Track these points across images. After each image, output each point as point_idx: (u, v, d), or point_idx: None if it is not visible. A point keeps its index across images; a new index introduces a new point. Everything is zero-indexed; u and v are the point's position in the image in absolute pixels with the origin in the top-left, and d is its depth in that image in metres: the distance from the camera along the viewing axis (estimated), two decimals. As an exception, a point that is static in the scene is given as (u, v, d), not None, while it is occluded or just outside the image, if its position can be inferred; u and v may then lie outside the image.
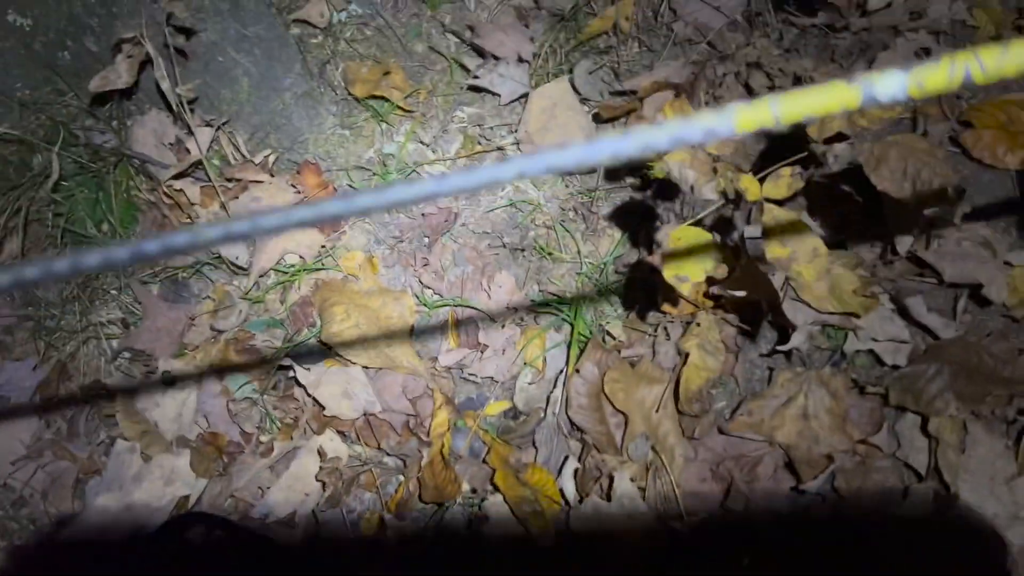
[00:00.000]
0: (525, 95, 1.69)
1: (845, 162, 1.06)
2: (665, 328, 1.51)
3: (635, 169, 1.59)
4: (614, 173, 1.65)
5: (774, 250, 1.04)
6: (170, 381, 1.66)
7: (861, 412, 1.44)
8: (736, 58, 1.61)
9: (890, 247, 1.48)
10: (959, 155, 1.55)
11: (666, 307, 1.30)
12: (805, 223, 1.04)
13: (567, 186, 1.69)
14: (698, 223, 1.13)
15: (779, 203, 1.06)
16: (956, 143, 1.54)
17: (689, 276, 1.08)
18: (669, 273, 1.09)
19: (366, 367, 1.60)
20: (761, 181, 1.08)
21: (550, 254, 1.64)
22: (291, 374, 1.60)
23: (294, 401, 1.62)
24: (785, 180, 1.06)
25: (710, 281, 1.14)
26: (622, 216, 1.64)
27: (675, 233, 1.11)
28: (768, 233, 1.05)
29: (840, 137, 1.13)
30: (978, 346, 1.41)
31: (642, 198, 1.60)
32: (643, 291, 1.55)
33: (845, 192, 1.52)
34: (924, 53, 1.57)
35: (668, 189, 1.59)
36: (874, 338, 1.45)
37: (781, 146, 1.15)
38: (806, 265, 1.03)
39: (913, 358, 1.44)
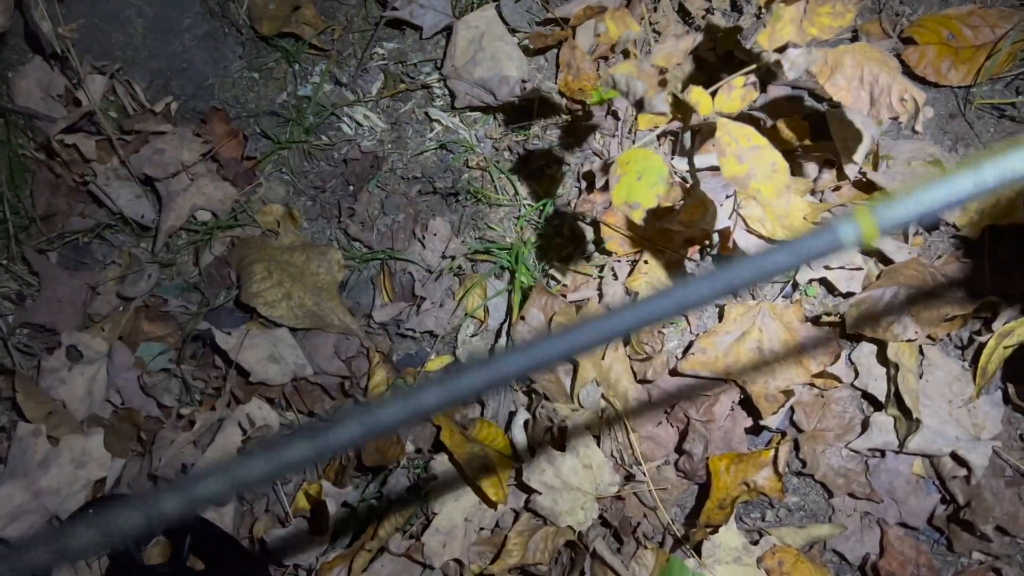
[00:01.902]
0: (449, 27, 1.57)
1: (800, 69, 0.98)
2: (612, 268, 1.43)
3: (573, 101, 1.50)
4: (550, 108, 1.55)
5: (731, 167, 0.96)
6: (76, 356, 1.51)
7: (817, 343, 1.39)
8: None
9: (837, 171, 1.43)
10: (902, 73, 1.49)
11: (611, 245, 1.22)
12: (762, 137, 0.97)
13: (500, 124, 1.58)
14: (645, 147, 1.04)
15: (732, 117, 0.98)
16: (899, 60, 1.49)
17: (641, 202, 0.99)
18: (619, 200, 1.00)
19: (293, 328, 1.48)
20: (712, 95, 0.99)
21: (486, 198, 1.54)
22: (210, 340, 1.47)
23: (215, 369, 1.49)
24: (738, 92, 0.97)
25: (661, 211, 1.06)
26: (561, 153, 1.54)
27: (623, 157, 1.02)
28: (723, 150, 0.96)
29: (790, 46, 1.05)
30: (931, 268, 1.37)
31: (580, 130, 1.51)
32: (587, 231, 1.46)
33: (788, 114, 1.45)
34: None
35: (607, 116, 1.50)
36: (827, 266, 1.40)
37: (727, 59, 1.06)
38: (765, 182, 0.96)
39: (867, 284, 1.39)
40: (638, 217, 1.01)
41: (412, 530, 1.35)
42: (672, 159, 1.42)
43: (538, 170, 1.55)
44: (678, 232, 1.39)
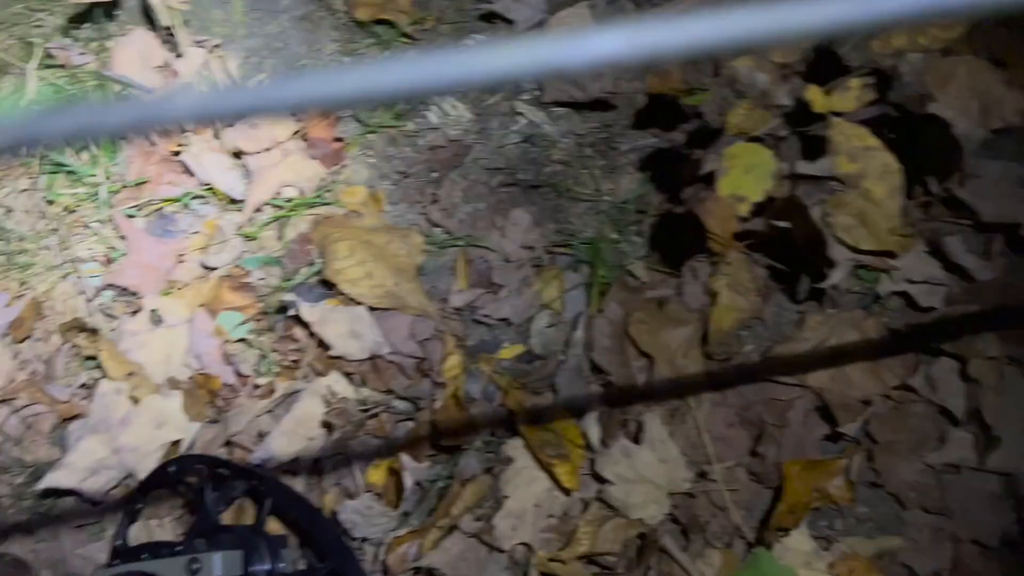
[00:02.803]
0: (541, 22, 1.60)
1: (918, 74, 0.99)
2: (692, 268, 1.44)
3: (662, 106, 1.51)
4: (635, 107, 1.57)
5: (842, 165, 0.97)
6: (157, 320, 1.54)
7: (895, 356, 1.39)
8: None
9: (923, 186, 1.43)
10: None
11: (712, 239, 1.23)
12: (875, 138, 0.98)
13: (585, 121, 1.60)
14: (752, 141, 1.06)
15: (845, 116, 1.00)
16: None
17: (748, 196, 1.01)
18: (726, 191, 1.02)
19: (372, 307, 1.50)
20: (826, 94, 1.01)
21: (568, 191, 1.56)
22: (291, 313, 1.49)
23: (293, 342, 1.51)
24: (854, 92, 0.99)
25: (765, 204, 1.07)
26: (644, 153, 1.56)
27: (730, 151, 1.04)
28: (836, 148, 0.98)
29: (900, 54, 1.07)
30: (1016, 288, 1.37)
31: (667, 130, 1.53)
32: (668, 230, 1.48)
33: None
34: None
35: (694, 119, 1.52)
36: (909, 279, 1.40)
37: (841, 61, 1.08)
38: (877, 182, 0.97)
39: (949, 300, 1.39)
40: (744, 210, 1.02)
41: (482, 512, 1.36)
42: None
43: (620, 168, 1.57)
44: (763, 234, 1.40)
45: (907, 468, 1.35)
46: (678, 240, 1.45)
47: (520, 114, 1.61)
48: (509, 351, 1.51)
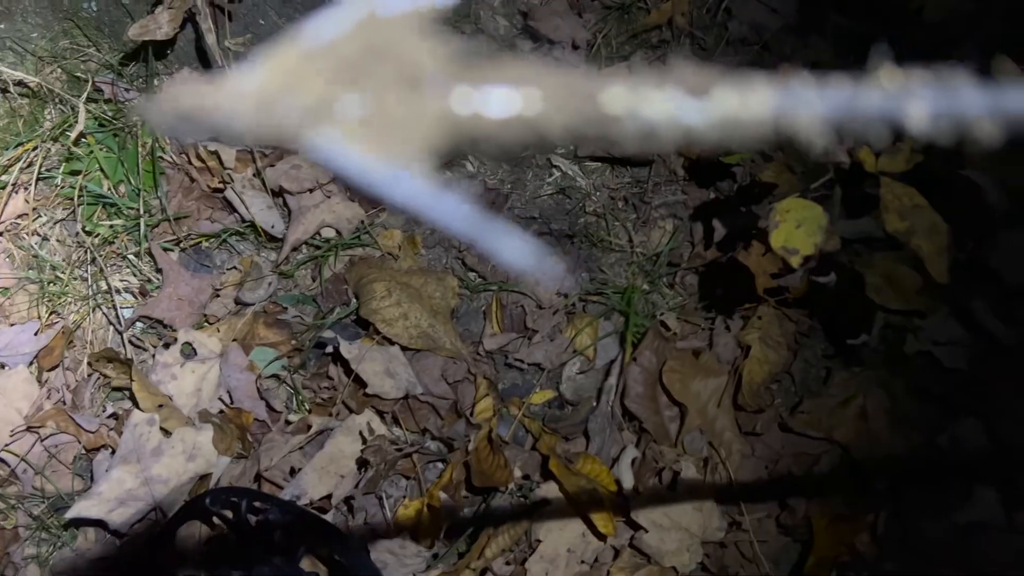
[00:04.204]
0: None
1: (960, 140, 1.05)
2: (724, 320, 1.48)
3: (701, 164, 1.56)
4: (667, 166, 1.62)
5: (892, 223, 1.02)
6: (190, 353, 1.55)
7: (922, 414, 1.42)
8: (792, 60, 1.61)
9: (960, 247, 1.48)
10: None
11: (760, 287, 1.26)
12: (923, 197, 1.03)
13: (617, 176, 1.65)
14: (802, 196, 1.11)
15: (896, 177, 1.05)
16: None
17: (799, 249, 1.05)
18: (777, 244, 1.06)
19: (405, 347, 1.52)
20: (877, 155, 1.06)
21: (601, 241, 1.60)
22: (328, 350, 1.51)
23: (327, 380, 1.52)
24: (904, 154, 1.04)
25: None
26: (676, 208, 1.61)
27: (782, 205, 1.08)
28: (886, 206, 1.02)
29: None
30: (1039, 351, 1.41)
31: (698, 188, 1.58)
32: (702, 283, 1.52)
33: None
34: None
35: (725, 180, 1.57)
36: (935, 340, 1.44)
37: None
38: (925, 240, 1.01)
39: (973, 362, 1.43)
40: (796, 262, 1.06)
41: (515, 555, 1.36)
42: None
43: (652, 222, 1.62)
44: (794, 291, 1.44)
45: (933, 525, 1.37)
46: (707, 294, 1.49)
47: (556, 167, 1.66)
48: (540, 396, 1.53)
